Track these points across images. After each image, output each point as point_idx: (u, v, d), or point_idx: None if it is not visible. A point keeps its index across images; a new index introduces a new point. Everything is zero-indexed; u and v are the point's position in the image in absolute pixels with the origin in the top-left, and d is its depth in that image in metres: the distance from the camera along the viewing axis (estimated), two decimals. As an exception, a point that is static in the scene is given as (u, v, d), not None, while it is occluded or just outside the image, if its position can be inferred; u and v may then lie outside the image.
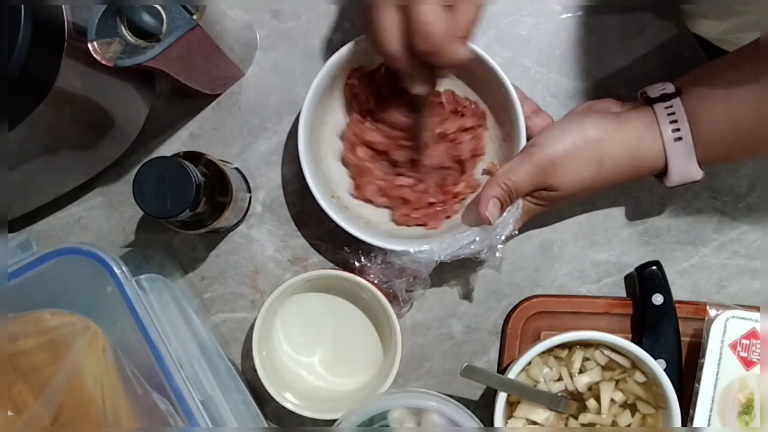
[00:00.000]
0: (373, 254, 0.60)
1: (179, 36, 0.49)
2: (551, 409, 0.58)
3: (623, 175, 0.56)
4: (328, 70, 0.57)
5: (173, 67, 0.54)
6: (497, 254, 0.56)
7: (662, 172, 0.56)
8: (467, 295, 0.64)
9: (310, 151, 0.58)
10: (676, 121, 0.54)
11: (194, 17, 0.49)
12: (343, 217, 0.58)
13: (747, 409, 0.58)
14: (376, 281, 0.60)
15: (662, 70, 0.63)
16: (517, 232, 0.57)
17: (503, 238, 0.56)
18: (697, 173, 0.55)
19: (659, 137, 0.54)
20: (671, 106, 0.54)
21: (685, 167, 0.55)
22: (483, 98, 0.61)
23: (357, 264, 0.61)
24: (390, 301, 0.59)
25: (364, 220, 0.61)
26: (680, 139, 0.54)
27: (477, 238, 0.56)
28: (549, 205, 0.58)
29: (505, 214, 0.56)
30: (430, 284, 0.62)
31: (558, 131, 0.56)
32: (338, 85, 0.60)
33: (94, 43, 0.49)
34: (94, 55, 0.49)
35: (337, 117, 0.62)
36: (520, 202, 0.57)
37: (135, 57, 0.49)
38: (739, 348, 0.58)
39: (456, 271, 0.64)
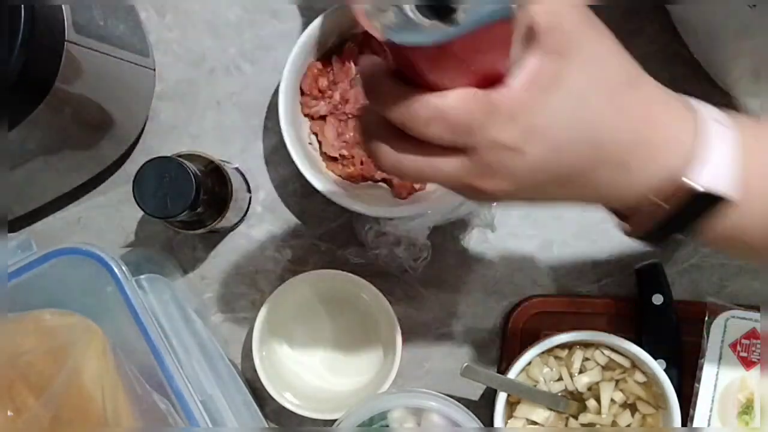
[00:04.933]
0: (368, 226, 0.60)
1: (487, 23, 0.30)
2: (551, 409, 0.58)
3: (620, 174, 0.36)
4: (308, 38, 0.58)
5: (447, 67, 0.33)
6: (491, 211, 0.56)
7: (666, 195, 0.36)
8: (467, 293, 0.65)
9: (295, 128, 0.59)
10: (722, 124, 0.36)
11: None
12: (332, 191, 0.58)
13: (747, 409, 0.58)
14: (379, 258, 0.61)
15: (662, 70, 0.63)
16: None
17: None
18: (733, 186, 0.35)
19: (692, 118, 0.36)
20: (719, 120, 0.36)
21: (727, 162, 0.35)
22: None
23: (356, 245, 0.61)
24: (402, 274, 0.59)
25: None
26: (726, 127, 0.36)
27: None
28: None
29: None
30: (431, 248, 0.62)
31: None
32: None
33: (367, 6, 0.32)
34: (360, 20, 0.32)
35: None
36: None
37: (412, 34, 0.31)
38: (739, 348, 0.58)
39: (456, 266, 0.64)
